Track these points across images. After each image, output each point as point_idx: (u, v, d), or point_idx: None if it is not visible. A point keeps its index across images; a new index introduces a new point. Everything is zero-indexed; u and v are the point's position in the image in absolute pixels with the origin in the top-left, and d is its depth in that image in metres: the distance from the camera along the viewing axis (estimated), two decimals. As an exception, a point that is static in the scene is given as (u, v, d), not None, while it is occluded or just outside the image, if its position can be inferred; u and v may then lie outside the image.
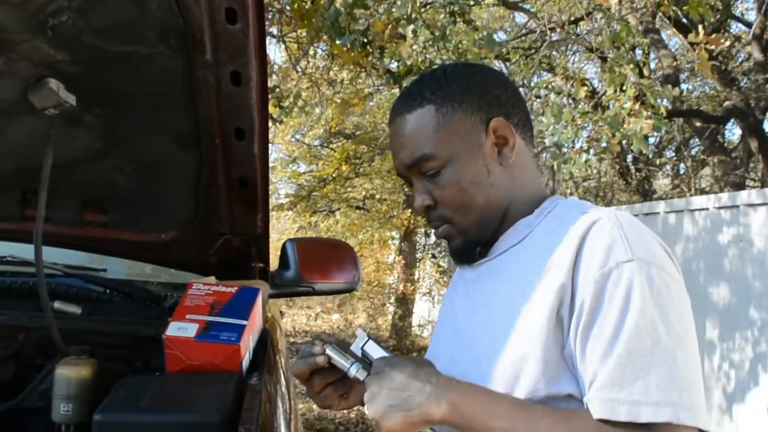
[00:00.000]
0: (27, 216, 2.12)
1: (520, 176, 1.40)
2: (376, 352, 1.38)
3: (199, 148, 1.84)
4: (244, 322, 1.81)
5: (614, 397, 1.11)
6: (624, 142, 5.97)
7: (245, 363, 1.81)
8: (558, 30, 6.25)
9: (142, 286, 2.47)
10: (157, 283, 2.88)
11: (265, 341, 2.03)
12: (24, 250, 2.41)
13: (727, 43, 4.65)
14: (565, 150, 6.03)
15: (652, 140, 13.28)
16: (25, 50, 1.55)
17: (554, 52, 9.83)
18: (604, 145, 5.08)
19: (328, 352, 1.37)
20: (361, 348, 1.40)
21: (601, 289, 1.15)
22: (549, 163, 8.38)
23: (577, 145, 5.27)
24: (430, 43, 4.17)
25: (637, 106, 4.55)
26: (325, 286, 2.65)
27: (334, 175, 13.09)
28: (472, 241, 1.41)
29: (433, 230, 1.50)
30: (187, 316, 1.82)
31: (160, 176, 2.00)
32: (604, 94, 6.51)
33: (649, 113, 4.58)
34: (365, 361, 1.37)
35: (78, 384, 1.83)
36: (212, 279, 2.07)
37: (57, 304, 2.05)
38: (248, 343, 1.83)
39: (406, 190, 12.11)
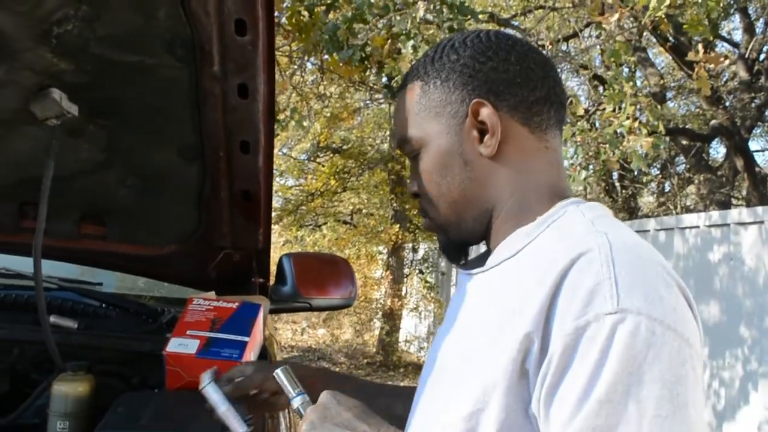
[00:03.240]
0: (23, 228, 2.08)
1: (518, 171, 1.15)
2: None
3: (203, 160, 1.81)
4: (246, 339, 1.78)
5: None
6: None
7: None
8: (550, 47, 6.27)
9: (138, 300, 2.43)
10: (149, 297, 2.84)
11: (264, 357, 2.01)
12: (18, 263, 2.37)
13: (727, 62, 4.66)
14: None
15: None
16: (29, 59, 1.52)
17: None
18: (603, 159, 5.05)
19: (278, 373, 1.27)
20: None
21: (574, 345, 0.91)
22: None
23: (575, 162, 5.26)
24: (430, 59, 4.14)
25: (636, 124, 4.56)
26: (322, 301, 2.61)
27: (322, 190, 13.07)
28: (453, 241, 1.23)
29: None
30: (188, 332, 1.78)
31: (161, 189, 1.97)
32: (595, 111, 6.54)
33: (648, 131, 4.60)
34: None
35: (75, 401, 1.79)
36: (212, 294, 2.04)
37: (53, 319, 2.01)
38: (250, 358, 1.80)
39: (395, 204, 12.12)
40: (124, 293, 2.77)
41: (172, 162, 1.84)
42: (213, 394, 1.39)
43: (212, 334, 1.78)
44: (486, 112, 1.13)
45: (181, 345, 1.74)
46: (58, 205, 1.82)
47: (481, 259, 1.22)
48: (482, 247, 1.27)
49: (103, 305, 2.26)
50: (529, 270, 1.03)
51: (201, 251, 2.14)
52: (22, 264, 2.36)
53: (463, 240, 1.23)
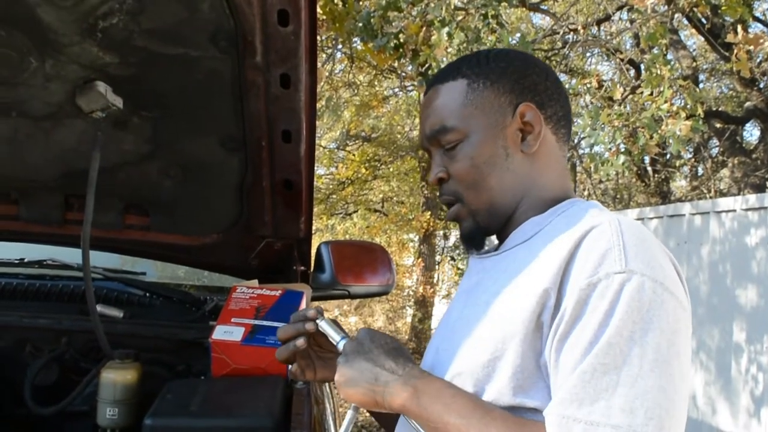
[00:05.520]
0: (68, 219, 2.13)
1: (543, 169, 1.34)
2: None
3: (245, 150, 1.83)
4: None
5: (571, 414, 1.02)
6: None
7: (291, 366, 1.80)
8: (582, 31, 6.22)
9: (181, 289, 2.47)
10: (190, 286, 2.88)
11: (308, 345, 2.02)
12: (63, 254, 2.41)
13: (767, 44, 4.57)
14: (597, 150, 5.97)
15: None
16: (74, 53, 1.54)
17: (571, 54, 9.81)
18: (641, 143, 4.98)
19: (321, 323, 1.35)
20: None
21: (585, 299, 1.06)
22: (586, 165, 8.33)
23: (613, 147, 5.21)
24: (465, 45, 4.15)
25: (674, 108, 4.53)
26: (360, 289, 2.63)
27: (352, 178, 13.09)
28: (481, 227, 1.35)
29: (445, 208, 1.44)
30: (233, 320, 1.81)
31: (204, 179, 1.99)
32: (627, 95, 6.47)
33: (687, 114, 4.56)
34: None
35: (123, 388, 1.83)
36: (255, 282, 2.06)
37: (99, 308, 2.04)
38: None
39: (426, 192, 12.10)
40: (166, 282, 2.81)
41: (214, 152, 1.86)
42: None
43: (257, 322, 1.80)
44: (532, 115, 1.31)
45: (226, 332, 1.77)
46: (102, 197, 1.85)
47: (480, 242, 1.38)
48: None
49: (147, 294, 2.29)
50: (545, 244, 1.20)
51: (243, 240, 2.16)
52: (67, 255, 2.41)
53: (489, 226, 1.36)
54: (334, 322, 1.37)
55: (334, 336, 1.33)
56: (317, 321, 1.35)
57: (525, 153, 1.32)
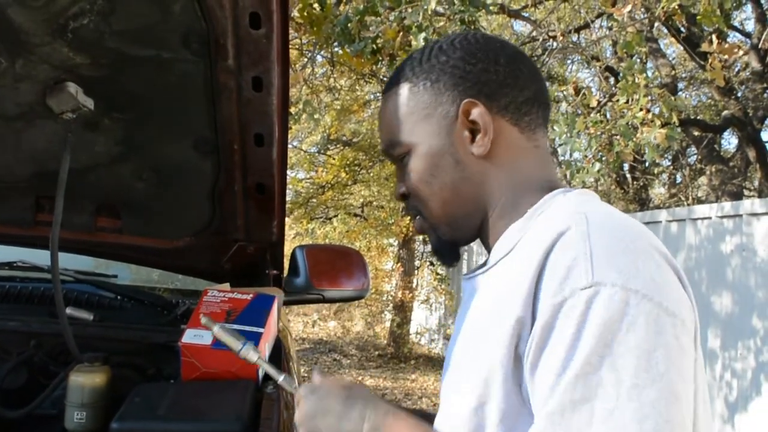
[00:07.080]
0: (39, 221, 2.10)
1: (509, 167, 1.17)
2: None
3: (218, 153, 1.82)
4: (260, 330, 1.79)
5: None
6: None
7: (261, 371, 1.80)
8: (561, 39, 6.25)
9: (153, 292, 2.45)
10: (164, 290, 2.86)
11: (279, 349, 2.02)
12: (34, 255, 2.39)
13: (741, 53, 4.64)
14: (574, 157, 6.01)
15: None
16: (45, 53, 1.53)
17: (551, 61, 9.85)
18: (616, 150, 5.02)
19: (262, 362, 1.38)
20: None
21: (551, 322, 0.92)
22: (562, 172, 8.35)
23: (589, 155, 5.23)
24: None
25: (649, 116, 4.56)
26: (335, 293, 2.63)
27: (332, 182, 13.06)
28: (445, 241, 1.23)
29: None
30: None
31: (176, 182, 1.98)
32: (606, 103, 6.51)
33: (662, 122, 4.60)
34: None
35: (92, 391, 1.81)
36: (227, 286, 2.05)
37: (69, 311, 2.02)
38: (265, 351, 1.81)
39: (406, 197, 12.08)
40: (139, 285, 2.79)
41: (186, 155, 1.85)
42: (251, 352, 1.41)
43: (227, 326, 1.79)
44: (478, 112, 1.15)
45: (196, 336, 1.76)
46: (74, 199, 1.84)
47: (484, 265, 1.21)
48: (480, 255, 1.30)
49: (119, 297, 2.28)
50: (524, 256, 1.04)
51: (215, 244, 2.16)
52: (38, 257, 2.39)
53: (455, 239, 1.24)
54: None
55: (274, 373, 1.35)
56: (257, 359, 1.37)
57: (477, 155, 1.16)
